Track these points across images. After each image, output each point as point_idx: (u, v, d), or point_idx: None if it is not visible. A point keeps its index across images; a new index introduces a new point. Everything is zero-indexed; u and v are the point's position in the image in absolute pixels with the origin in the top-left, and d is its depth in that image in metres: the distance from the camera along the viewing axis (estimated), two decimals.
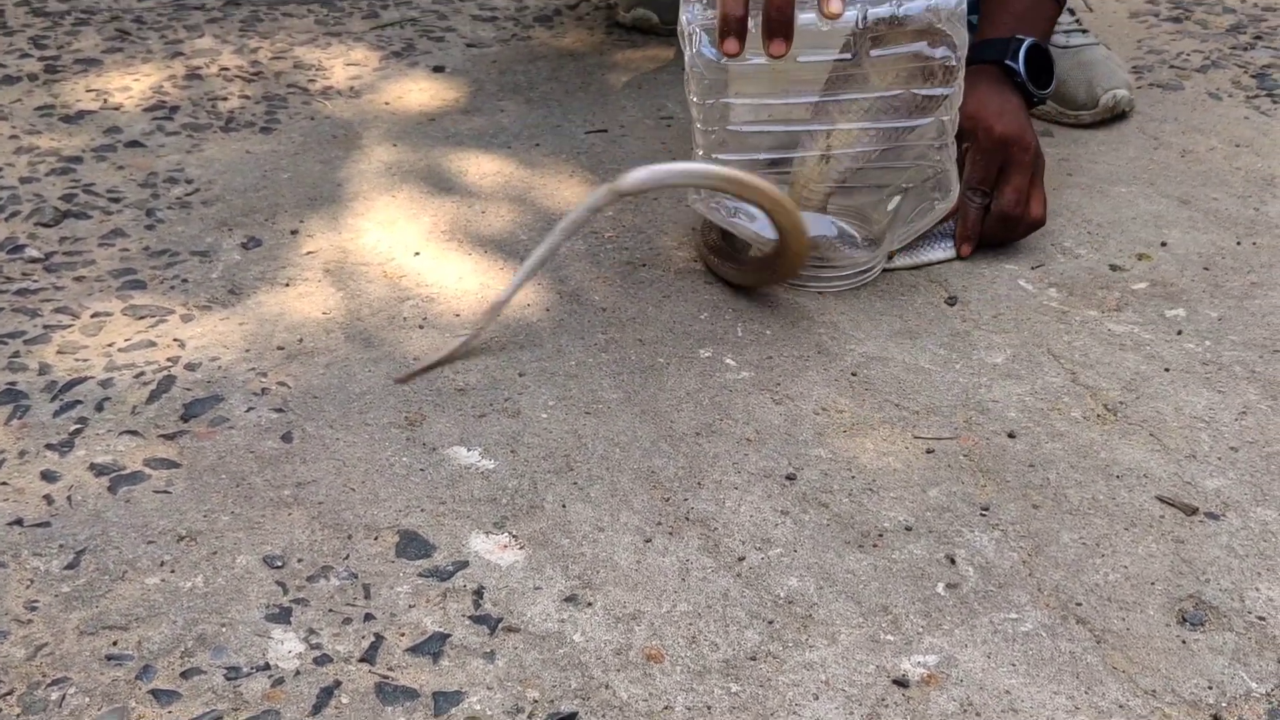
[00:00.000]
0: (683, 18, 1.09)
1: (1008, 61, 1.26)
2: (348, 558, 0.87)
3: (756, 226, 1.16)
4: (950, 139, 1.14)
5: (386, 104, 1.61)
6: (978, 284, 1.21)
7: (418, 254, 1.25)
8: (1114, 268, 1.24)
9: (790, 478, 0.95)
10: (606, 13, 1.95)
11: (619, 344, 1.11)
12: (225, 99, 1.61)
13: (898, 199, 1.17)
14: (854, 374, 1.07)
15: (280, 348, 1.10)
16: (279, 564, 0.87)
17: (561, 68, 1.74)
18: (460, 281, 1.20)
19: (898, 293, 1.19)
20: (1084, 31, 1.60)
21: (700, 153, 1.14)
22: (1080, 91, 1.54)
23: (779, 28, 1.04)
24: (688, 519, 0.91)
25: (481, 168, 1.43)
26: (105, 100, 1.60)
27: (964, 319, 1.15)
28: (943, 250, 1.24)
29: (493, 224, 1.31)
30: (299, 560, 0.87)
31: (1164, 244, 1.28)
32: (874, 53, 1.08)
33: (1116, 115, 1.55)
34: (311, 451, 0.97)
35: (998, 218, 1.22)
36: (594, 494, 0.93)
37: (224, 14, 1.92)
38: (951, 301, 1.17)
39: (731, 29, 1.04)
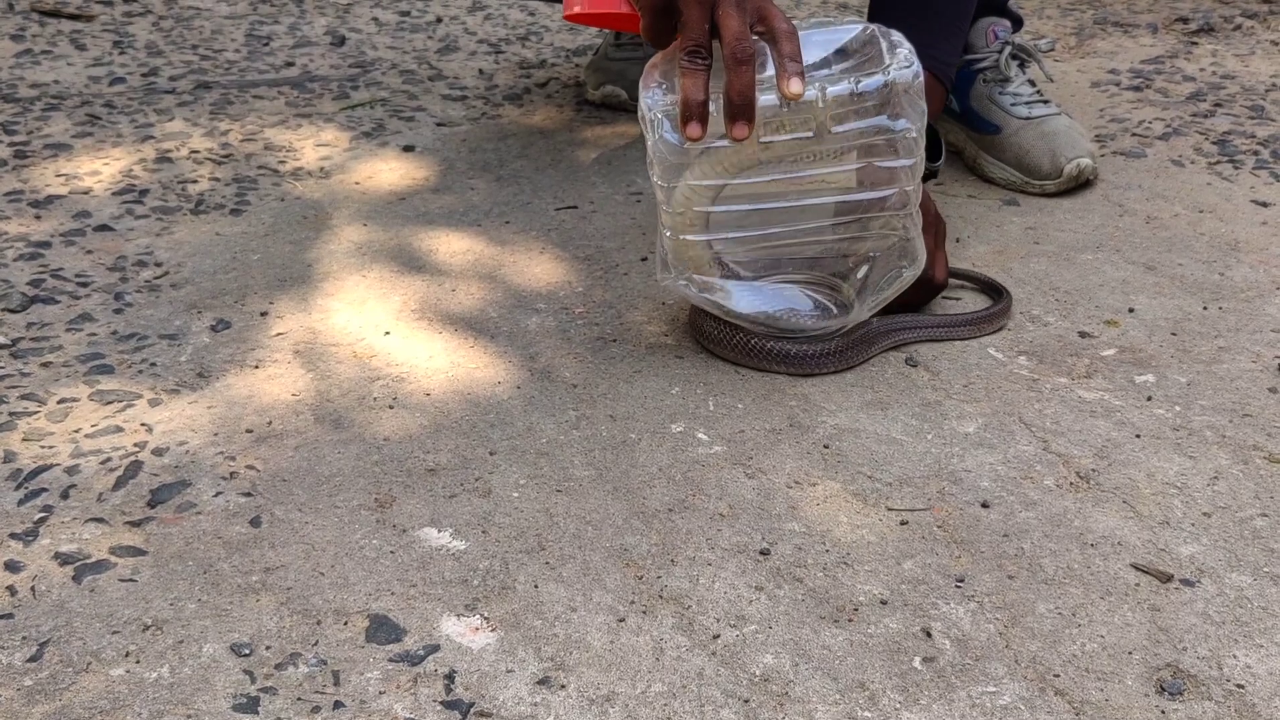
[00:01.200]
0: (643, 103, 1.09)
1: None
2: (317, 644, 0.86)
3: (728, 301, 1.16)
4: (915, 208, 1.15)
5: (357, 184, 1.61)
6: (948, 353, 1.21)
7: (388, 333, 1.24)
8: (1083, 334, 1.24)
9: (764, 552, 0.94)
10: (576, 90, 1.96)
11: (590, 420, 1.10)
12: (195, 181, 1.61)
13: (865, 268, 1.17)
14: (826, 446, 1.07)
15: (249, 430, 1.09)
16: (246, 652, 0.85)
17: (531, 145, 1.75)
18: (431, 360, 1.20)
19: (867, 364, 1.19)
20: (1045, 102, 1.62)
21: (667, 233, 1.14)
22: (1044, 161, 1.55)
23: (741, 110, 1.04)
24: (661, 597, 0.90)
25: (451, 246, 1.43)
26: (75, 184, 1.59)
27: (935, 388, 1.15)
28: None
29: (463, 302, 1.30)
30: (267, 648, 0.85)
31: (1131, 310, 1.28)
32: (835, 129, 1.09)
33: (1081, 183, 1.57)
34: (280, 536, 0.96)
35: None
36: (566, 573, 0.92)
37: (195, 97, 1.93)
38: (913, 363, 1.17)
39: (694, 114, 1.05)
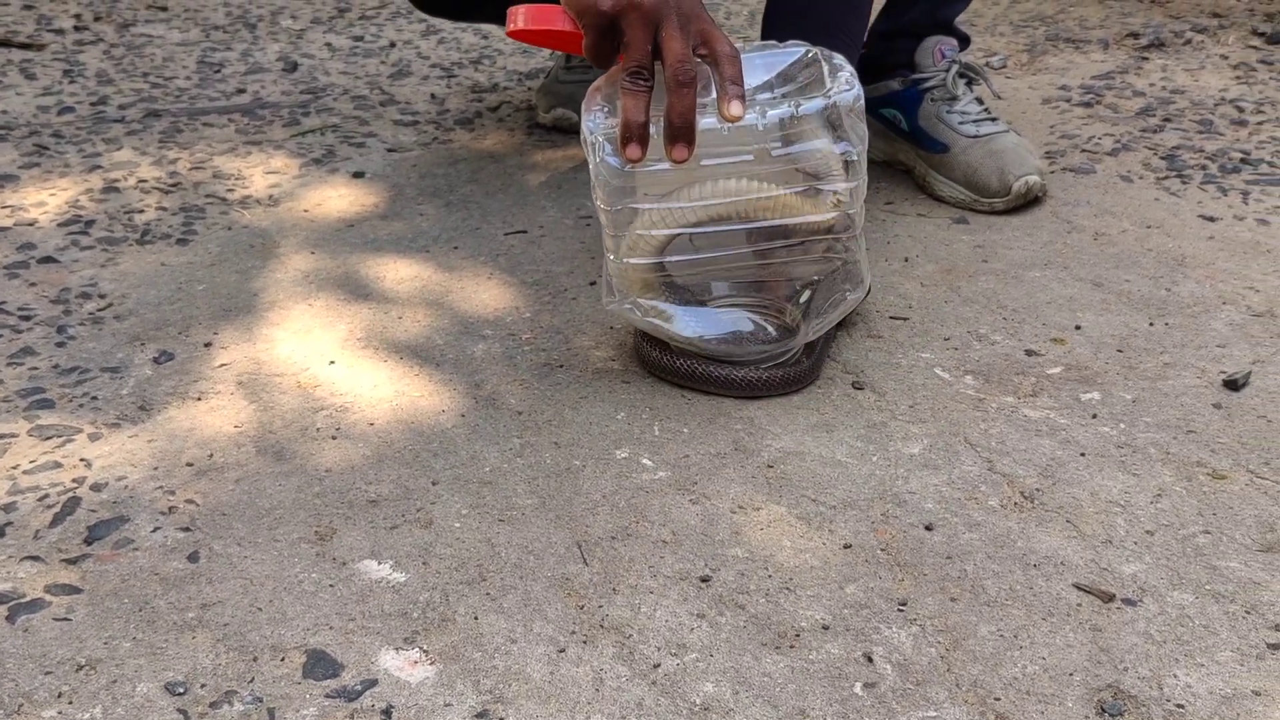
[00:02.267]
0: (585, 127, 1.09)
1: None
2: (253, 681, 0.85)
3: (671, 326, 1.16)
4: (858, 231, 1.15)
5: (305, 211, 1.61)
6: (894, 374, 1.21)
7: (333, 363, 1.24)
8: (1029, 353, 1.24)
9: (706, 579, 0.94)
10: (527, 114, 1.96)
11: (534, 448, 1.10)
12: (142, 211, 1.60)
13: (809, 292, 1.17)
14: (771, 468, 1.06)
15: (189, 464, 1.08)
16: (181, 690, 0.84)
17: (481, 169, 1.74)
18: (375, 389, 1.19)
19: (813, 385, 1.19)
20: (993, 120, 1.63)
21: (611, 257, 1.14)
22: (993, 180, 1.56)
23: (681, 133, 1.05)
24: (602, 626, 0.89)
25: (399, 273, 1.43)
26: (20, 216, 1.58)
27: (880, 409, 1.15)
28: None
29: (409, 329, 1.30)
30: (202, 686, 0.84)
31: (1078, 327, 1.29)
32: (776, 152, 1.09)
33: (1030, 201, 1.57)
34: (218, 571, 0.95)
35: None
36: (507, 604, 0.91)
37: (144, 125, 1.92)
38: (859, 385, 1.17)
39: (634, 135, 1.05)
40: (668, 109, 1.04)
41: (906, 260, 1.45)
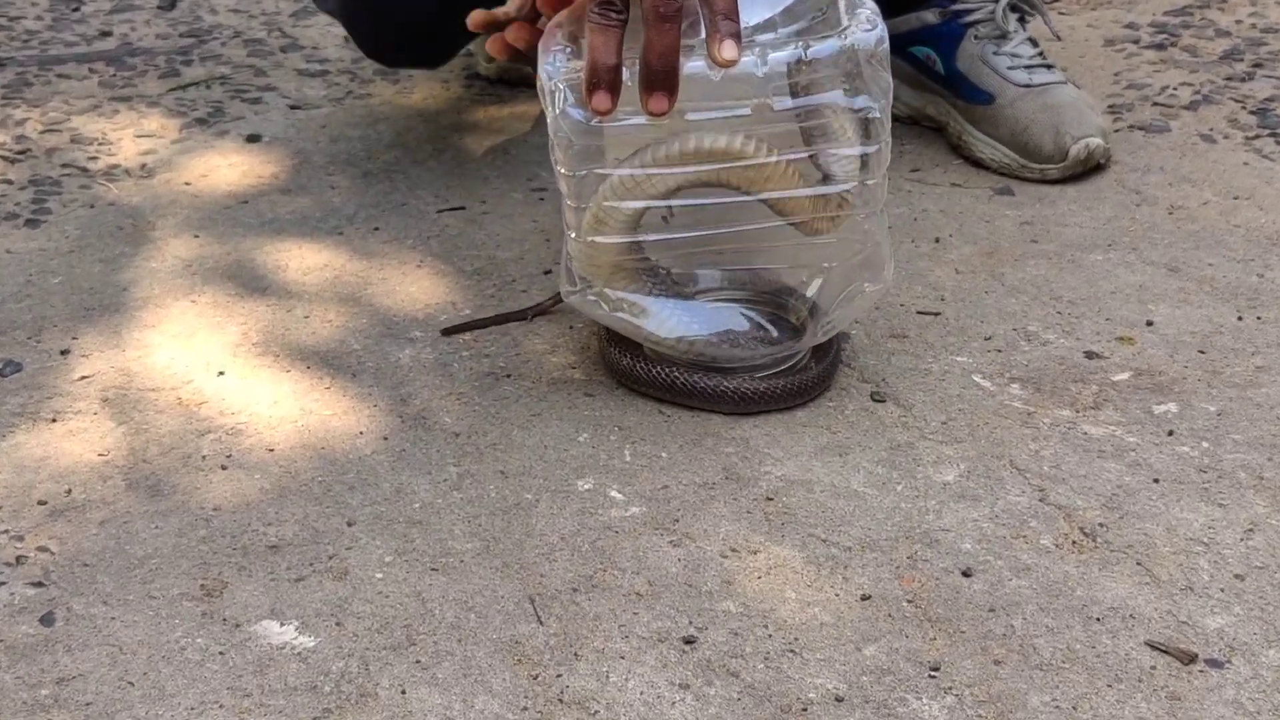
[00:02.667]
0: (542, 72, 1.09)
1: None
2: None
3: (647, 323, 1.16)
4: (880, 207, 1.15)
5: (187, 184, 1.61)
6: (923, 383, 1.22)
7: (222, 373, 1.24)
8: (1090, 355, 1.25)
9: (690, 641, 0.94)
10: (465, 62, 1.96)
11: (475, 478, 1.10)
12: None
13: (818, 282, 1.17)
14: (770, 501, 1.07)
15: (42, 502, 1.08)
16: None
17: (408, 131, 1.75)
18: (275, 406, 1.19)
19: (823, 397, 1.19)
20: (1049, 67, 1.64)
21: (573, 235, 1.14)
22: (1046, 141, 1.57)
23: (660, 79, 1.04)
24: (561, 701, 0.89)
25: (305, 260, 1.43)
26: None
27: (905, 427, 1.16)
28: None
29: (318, 331, 1.30)
30: None
31: (1150, 323, 1.30)
32: (778, 105, 1.09)
33: (1090, 168, 1.58)
34: (79, 636, 0.95)
35: None
36: (442, 675, 0.92)
37: None
38: (879, 397, 1.18)
39: (602, 81, 1.04)
40: (645, 48, 1.04)
41: (938, 241, 1.45)
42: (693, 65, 1.06)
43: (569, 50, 1.09)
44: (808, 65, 1.08)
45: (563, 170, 1.12)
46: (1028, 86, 1.61)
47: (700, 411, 1.18)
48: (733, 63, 1.05)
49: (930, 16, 1.65)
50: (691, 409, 1.18)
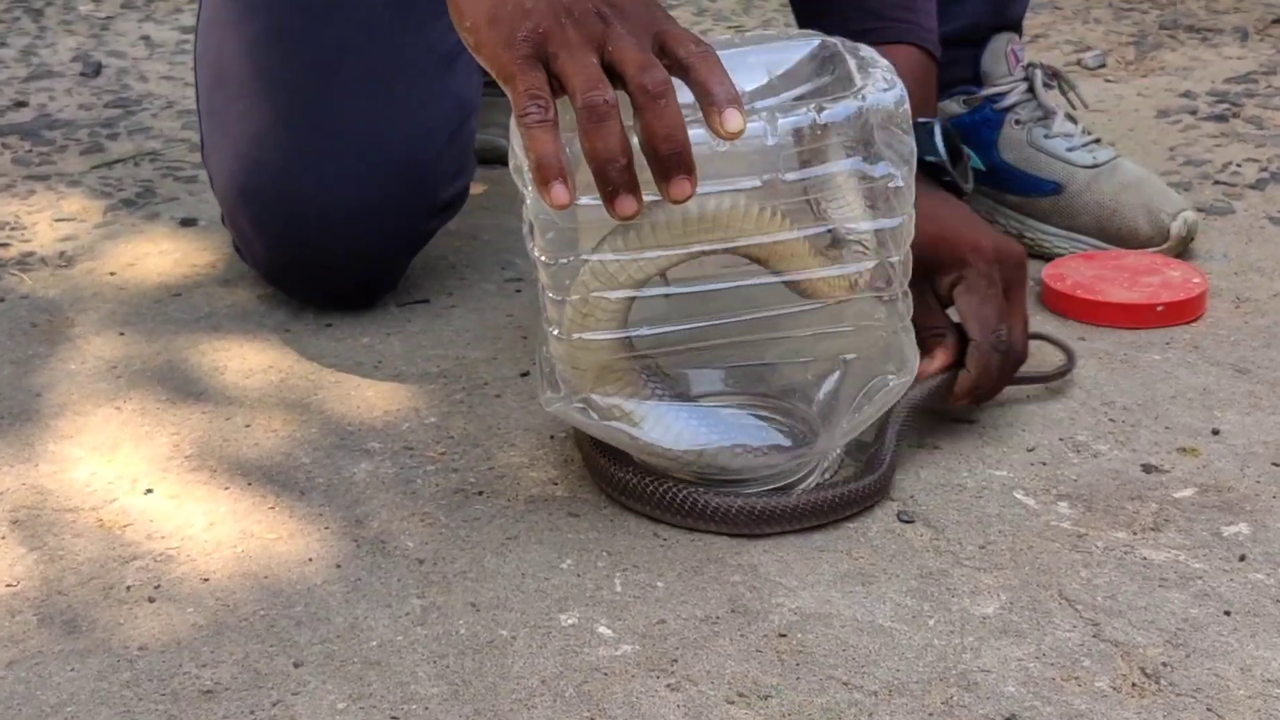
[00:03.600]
0: (515, 150, 1.10)
1: (928, 158, 1.30)
2: None
3: (646, 432, 1.16)
4: (903, 289, 1.16)
5: (112, 274, 1.61)
6: (957, 500, 1.22)
7: (149, 491, 1.24)
8: (1148, 469, 1.25)
9: None
10: None
11: (442, 612, 1.10)
12: None
13: (835, 376, 1.17)
14: (783, 638, 1.06)
15: None
16: None
17: None
18: (211, 529, 1.19)
19: (843, 518, 1.19)
20: (1097, 141, 1.65)
21: (554, 331, 1.14)
22: (1141, 223, 1.58)
23: (674, 163, 1.03)
24: None
25: (246, 362, 1.43)
26: None
27: (938, 552, 1.15)
28: None
29: (261, 442, 1.30)
30: None
31: (1216, 431, 1.30)
32: (790, 176, 1.09)
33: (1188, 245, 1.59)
34: None
35: (1014, 361, 1.29)
36: None
37: None
38: (907, 517, 1.17)
39: (551, 174, 1.03)
40: (646, 135, 1.03)
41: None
42: (693, 134, 1.05)
43: None
44: (821, 130, 1.09)
45: (541, 257, 1.12)
46: (1094, 167, 1.61)
47: (701, 533, 1.17)
48: (739, 134, 1.04)
49: (955, 106, 1.66)
50: (691, 530, 1.17)
